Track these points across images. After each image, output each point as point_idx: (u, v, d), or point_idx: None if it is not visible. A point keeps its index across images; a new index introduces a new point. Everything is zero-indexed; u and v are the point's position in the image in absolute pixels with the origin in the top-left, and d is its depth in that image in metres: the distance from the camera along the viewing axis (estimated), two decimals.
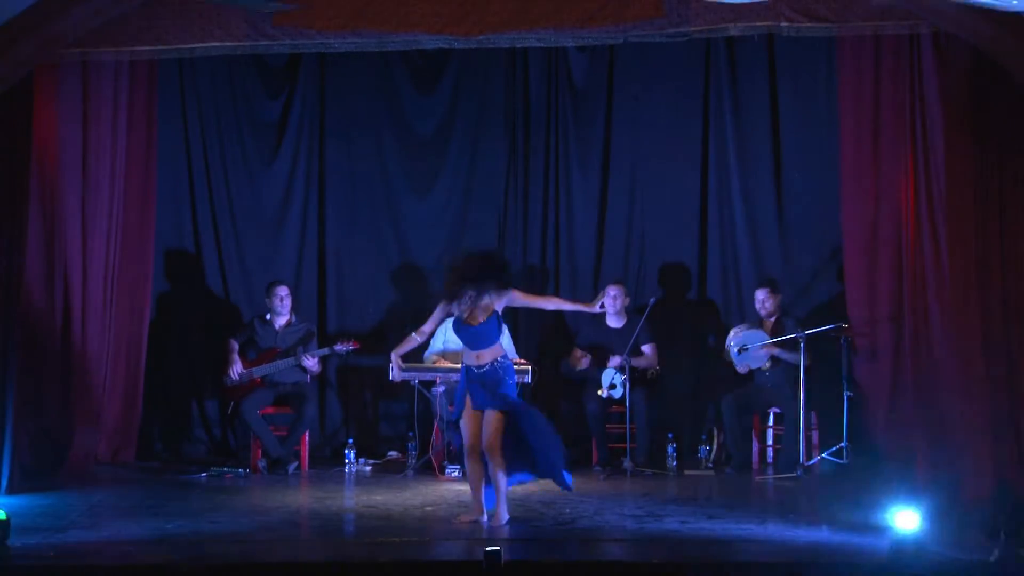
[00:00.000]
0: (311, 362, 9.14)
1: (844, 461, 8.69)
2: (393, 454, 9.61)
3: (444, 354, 9.26)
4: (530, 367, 8.79)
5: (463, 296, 6.96)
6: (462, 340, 7.10)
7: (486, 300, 6.98)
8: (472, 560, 5.85)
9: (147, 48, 8.47)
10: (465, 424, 7.04)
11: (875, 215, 8.86)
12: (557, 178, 9.98)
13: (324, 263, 10.10)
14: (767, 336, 8.91)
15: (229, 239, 10.05)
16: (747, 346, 8.92)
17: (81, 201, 8.90)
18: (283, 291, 9.28)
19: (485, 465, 6.95)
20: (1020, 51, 7.27)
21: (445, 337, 9.30)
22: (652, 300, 9.01)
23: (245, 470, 8.90)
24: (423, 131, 10.09)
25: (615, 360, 8.98)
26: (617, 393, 8.96)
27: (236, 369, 9.10)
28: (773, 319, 9.04)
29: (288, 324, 9.32)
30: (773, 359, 8.96)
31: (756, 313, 9.17)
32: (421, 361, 9.15)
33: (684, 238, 9.85)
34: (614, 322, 9.29)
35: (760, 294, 9.10)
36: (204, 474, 8.83)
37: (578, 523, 7.04)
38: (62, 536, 6.61)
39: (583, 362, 9.12)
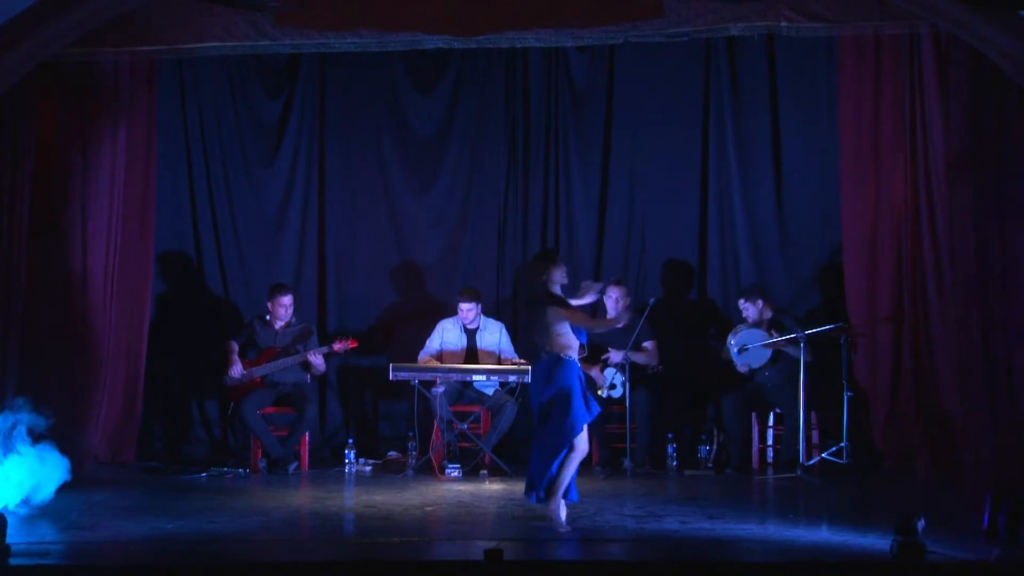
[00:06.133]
0: (317, 359, 9.12)
1: (844, 461, 8.69)
2: (393, 454, 9.61)
3: (441, 355, 9.25)
4: (530, 368, 8.78)
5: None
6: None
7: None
8: (472, 560, 5.85)
9: (147, 48, 8.48)
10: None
11: (875, 215, 8.88)
12: (557, 178, 9.98)
13: (324, 263, 10.10)
14: (767, 336, 8.91)
15: (229, 239, 10.05)
16: (747, 346, 8.92)
17: (81, 201, 8.90)
18: (287, 300, 9.24)
19: None
20: (1020, 51, 7.27)
21: (443, 338, 9.30)
22: (652, 300, 9.01)
23: (245, 470, 8.90)
24: (423, 131, 10.10)
25: (615, 355, 8.96)
26: (617, 393, 8.97)
27: (236, 370, 9.10)
28: (766, 322, 9.04)
29: (288, 324, 9.32)
30: (774, 356, 8.95)
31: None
32: (417, 362, 9.17)
33: (684, 238, 9.85)
34: None
35: (740, 303, 9.11)
36: (204, 474, 8.83)
37: (578, 523, 7.02)
38: (62, 536, 6.61)
39: (590, 373, 9.10)
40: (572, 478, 6.92)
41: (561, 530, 6.72)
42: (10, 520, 6.04)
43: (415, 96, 10.08)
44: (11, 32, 7.55)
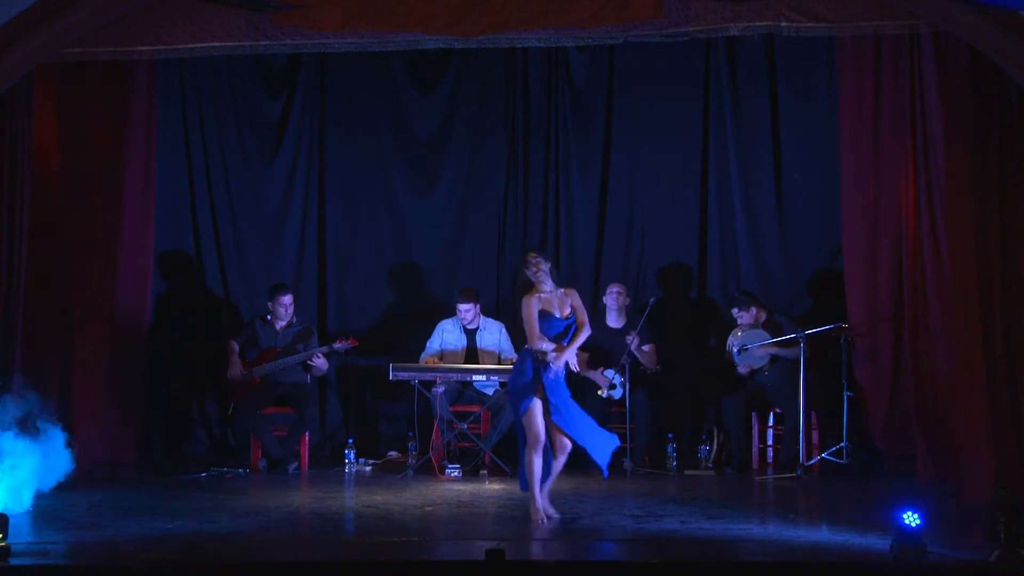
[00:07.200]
0: (320, 360, 9.13)
1: (844, 461, 8.69)
2: (393, 454, 9.61)
3: (442, 355, 9.25)
4: None
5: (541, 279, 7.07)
6: (547, 332, 7.07)
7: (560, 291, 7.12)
8: (472, 560, 5.85)
9: (147, 48, 8.47)
10: (536, 419, 6.99)
11: (875, 215, 8.88)
12: (557, 178, 9.98)
13: (324, 263, 10.10)
14: (767, 336, 8.91)
15: (229, 239, 10.05)
16: (747, 346, 8.92)
17: (82, 201, 8.90)
18: (287, 300, 9.26)
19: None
20: (1020, 51, 7.27)
21: (443, 339, 9.30)
22: (652, 300, 9.01)
23: (245, 470, 8.90)
24: (423, 131, 10.10)
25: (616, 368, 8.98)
26: (617, 393, 8.96)
27: (236, 370, 9.10)
28: (762, 323, 9.03)
29: (289, 324, 9.32)
30: (772, 357, 8.96)
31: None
32: (417, 361, 9.17)
33: (684, 238, 9.85)
34: (614, 322, 9.29)
35: (733, 312, 9.11)
36: (204, 474, 8.83)
37: (578, 523, 7.03)
38: (62, 536, 6.61)
39: (593, 376, 9.09)
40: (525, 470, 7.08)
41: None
42: (11, 519, 6.05)
43: (415, 96, 10.08)
44: (11, 32, 7.55)
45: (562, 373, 7.07)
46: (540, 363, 6.99)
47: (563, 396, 7.06)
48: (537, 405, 6.97)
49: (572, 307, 7.11)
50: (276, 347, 9.24)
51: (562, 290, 7.14)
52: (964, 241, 7.91)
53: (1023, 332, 7.77)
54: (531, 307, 7.02)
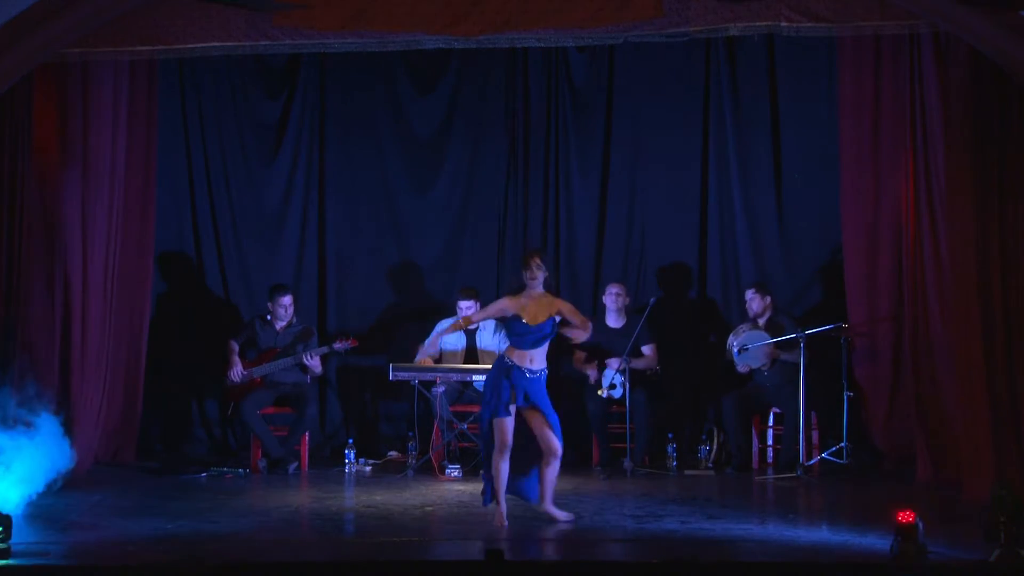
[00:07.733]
0: (314, 361, 9.13)
1: (844, 461, 8.70)
2: (393, 454, 9.61)
3: (441, 355, 9.25)
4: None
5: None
6: (524, 339, 6.99)
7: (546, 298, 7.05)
8: (472, 560, 5.85)
9: (147, 48, 8.46)
10: (505, 425, 6.94)
11: (875, 215, 8.90)
12: (557, 178, 9.98)
13: (324, 263, 10.11)
14: (768, 336, 8.91)
15: (229, 239, 10.06)
16: (747, 346, 8.92)
17: (81, 201, 8.89)
18: (287, 300, 9.26)
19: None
20: (1020, 51, 7.27)
21: (442, 338, 9.28)
22: (652, 300, 9.01)
23: (245, 470, 8.90)
24: (423, 131, 10.10)
25: (615, 363, 8.97)
26: (617, 393, 8.96)
27: (237, 370, 9.10)
28: (764, 319, 9.03)
29: (289, 324, 9.33)
30: (772, 359, 8.95)
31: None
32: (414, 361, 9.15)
33: (684, 238, 9.85)
34: (614, 322, 9.29)
35: (747, 294, 9.12)
36: (204, 474, 8.83)
37: (578, 523, 7.04)
38: (62, 536, 6.61)
39: (590, 373, 9.09)
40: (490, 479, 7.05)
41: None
42: (11, 520, 6.06)
43: (415, 96, 10.08)
44: (11, 32, 7.55)
45: (543, 378, 7.04)
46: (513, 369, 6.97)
47: (544, 400, 7.03)
48: (508, 417, 6.94)
49: (561, 313, 7.05)
50: (276, 347, 9.24)
51: (547, 298, 7.06)
52: (964, 241, 7.90)
53: (1023, 331, 7.77)
54: (496, 303, 7.14)
